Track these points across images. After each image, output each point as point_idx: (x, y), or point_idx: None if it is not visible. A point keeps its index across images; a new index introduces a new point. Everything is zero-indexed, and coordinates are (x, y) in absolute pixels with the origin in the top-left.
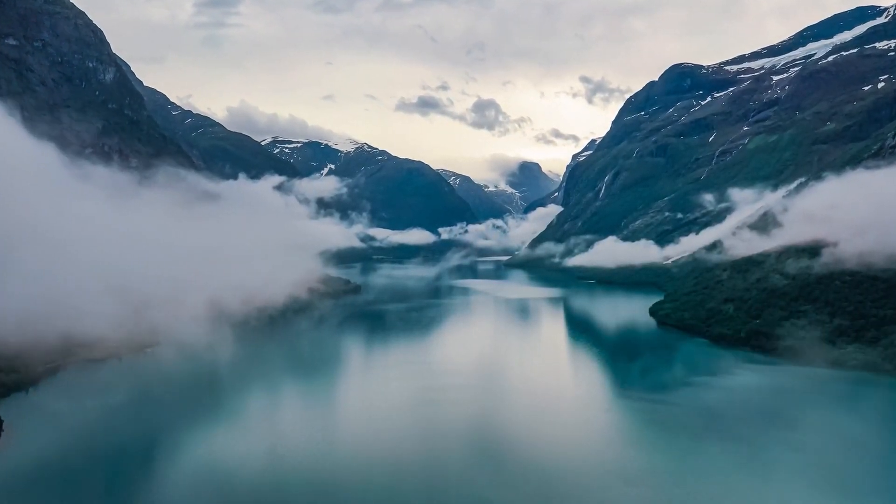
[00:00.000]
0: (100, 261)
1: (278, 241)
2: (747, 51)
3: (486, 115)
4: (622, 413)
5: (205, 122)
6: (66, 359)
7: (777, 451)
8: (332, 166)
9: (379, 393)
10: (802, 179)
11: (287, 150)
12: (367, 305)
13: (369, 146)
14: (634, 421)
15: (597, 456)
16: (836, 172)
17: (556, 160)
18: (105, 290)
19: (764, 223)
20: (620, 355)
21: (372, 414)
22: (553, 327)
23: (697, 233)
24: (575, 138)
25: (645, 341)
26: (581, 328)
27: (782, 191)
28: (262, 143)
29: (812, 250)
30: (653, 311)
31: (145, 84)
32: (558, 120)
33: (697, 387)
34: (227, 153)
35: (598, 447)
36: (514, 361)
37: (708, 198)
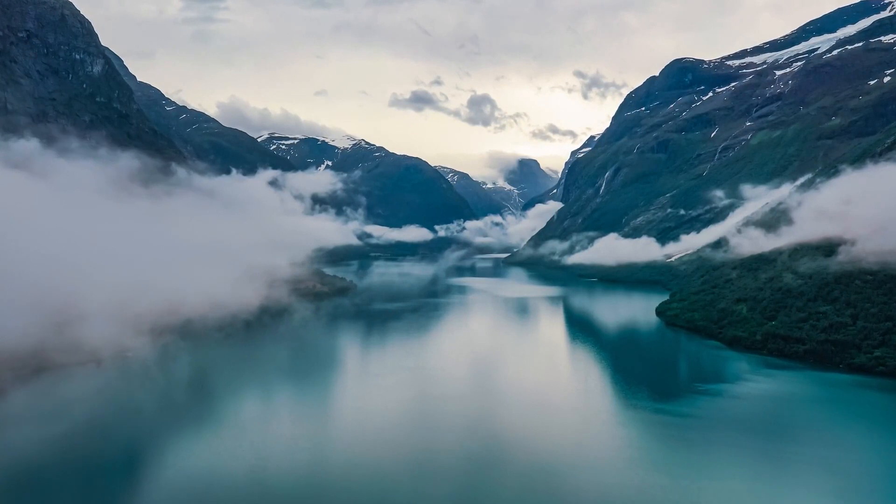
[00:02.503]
0: (46, 262)
1: (267, 238)
2: (742, 46)
3: (481, 111)
4: (636, 427)
5: (199, 118)
6: (39, 366)
7: (811, 474)
8: (329, 163)
9: (366, 404)
10: (809, 175)
11: (284, 147)
12: (358, 306)
13: (366, 142)
14: (650, 436)
15: (609, 476)
16: (851, 167)
17: (554, 157)
18: (45, 294)
19: (771, 220)
20: (629, 361)
21: (358, 430)
22: (556, 329)
23: (699, 231)
24: (572, 134)
25: (655, 345)
26: (585, 330)
27: (787, 187)
28: (259, 140)
29: (827, 248)
30: (660, 311)
31: (139, 79)
32: (554, 115)
33: (716, 396)
34: (222, 149)
35: (610, 466)
36: (515, 369)
37: (711, 194)
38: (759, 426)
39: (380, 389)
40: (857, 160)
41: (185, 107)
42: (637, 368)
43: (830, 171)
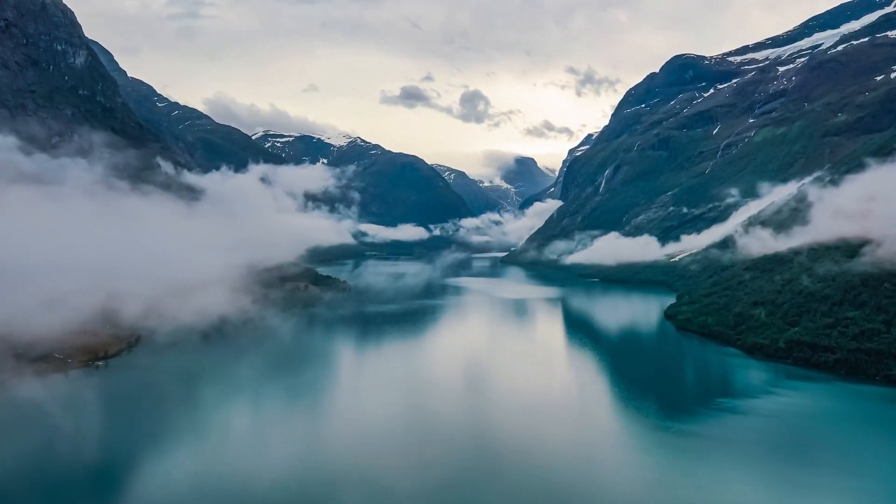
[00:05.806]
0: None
1: (255, 236)
2: (734, 44)
3: (474, 107)
4: (656, 452)
5: (192, 114)
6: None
7: None
8: (325, 160)
9: (354, 421)
10: (819, 173)
11: (279, 144)
12: (351, 309)
13: (362, 140)
14: (673, 463)
15: None
16: (875, 161)
17: (550, 154)
18: None
19: (781, 219)
20: (641, 371)
21: (345, 450)
22: (559, 334)
23: (700, 231)
24: (568, 131)
25: (667, 353)
26: (590, 335)
27: (793, 184)
28: (253, 137)
29: (848, 249)
30: (669, 315)
31: (129, 75)
32: (549, 112)
33: (743, 414)
34: (214, 146)
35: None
36: (517, 382)
37: (714, 192)
38: (795, 450)
39: (370, 403)
40: (876, 155)
41: (177, 103)
42: (651, 380)
43: (842, 167)
